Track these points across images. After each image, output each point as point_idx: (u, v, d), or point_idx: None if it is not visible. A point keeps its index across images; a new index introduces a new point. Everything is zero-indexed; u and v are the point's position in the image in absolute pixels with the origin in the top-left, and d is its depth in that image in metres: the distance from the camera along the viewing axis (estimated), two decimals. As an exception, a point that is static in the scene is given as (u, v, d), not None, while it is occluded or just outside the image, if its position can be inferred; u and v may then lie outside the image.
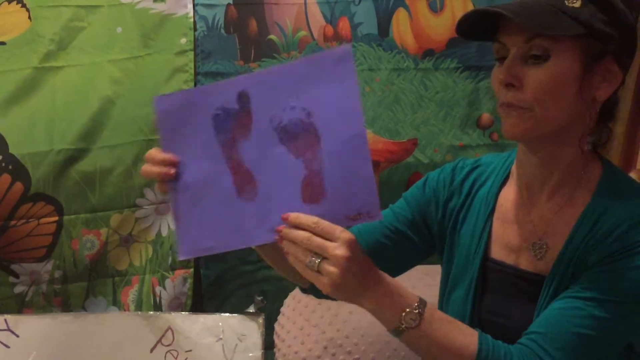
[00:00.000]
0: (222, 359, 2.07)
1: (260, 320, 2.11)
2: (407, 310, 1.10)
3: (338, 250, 1.03)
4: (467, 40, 1.60)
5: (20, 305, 2.16)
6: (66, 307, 2.20)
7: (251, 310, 2.14)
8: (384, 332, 2.04)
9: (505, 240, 1.28)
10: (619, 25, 1.13)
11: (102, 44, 2.21)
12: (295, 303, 2.13)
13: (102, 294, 2.23)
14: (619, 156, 2.32)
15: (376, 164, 2.30)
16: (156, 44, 2.23)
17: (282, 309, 2.14)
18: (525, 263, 1.24)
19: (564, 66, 1.12)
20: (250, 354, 2.07)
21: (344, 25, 2.31)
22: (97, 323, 2.09)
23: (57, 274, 2.18)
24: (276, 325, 2.12)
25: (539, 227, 1.24)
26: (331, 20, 2.31)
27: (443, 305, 1.39)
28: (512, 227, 1.27)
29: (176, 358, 2.06)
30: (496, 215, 1.30)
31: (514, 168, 1.31)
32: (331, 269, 1.03)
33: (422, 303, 1.11)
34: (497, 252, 1.28)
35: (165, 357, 2.06)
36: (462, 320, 1.29)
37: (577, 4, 1.11)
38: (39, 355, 2.01)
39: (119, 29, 2.22)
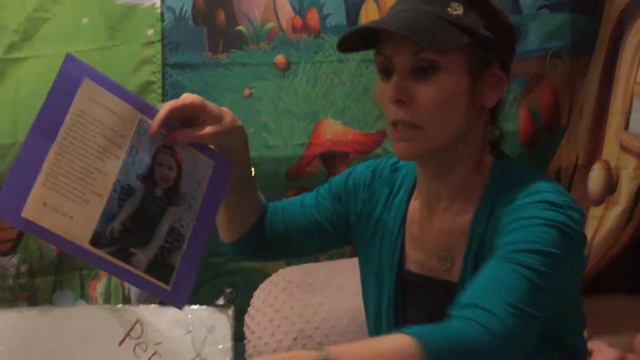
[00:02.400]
0: (192, 351, 2.07)
1: (230, 312, 2.11)
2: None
3: None
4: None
5: (-14, 300, 2.14)
6: (33, 301, 2.17)
7: (220, 303, 2.14)
8: (353, 323, 2.06)
9: (416, 252, 1.24)
10: (500, 28, 1.12)
11: (68, 34, 2.18)
12: (265, 295, 2.13)
13: (69, 287, 2.21)
14: (584, 147, 2.35)
15: (345, 155, 2.30)
16: (123, 35, 2.21)
17: (252, 301, 2.14)
18: (437, 274, 1.21)
19: (453, 78, 1.09)
20: (220, 346, 2.07)
21: (313, 17, 2.31)
22: (64, 317, 2.08)
23: (23, 267, 2.15)
24: (246, 317, 2.11)
25: (441, 239, 1.21)
26: (300, 11, 2.31)
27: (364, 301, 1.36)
28: (420, 239, 1.24)
29: (145, 351, 2.05)
30: (407, 226, 1.26)
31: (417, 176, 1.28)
32: None
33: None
34: (412, 264, 1.24)
35: (134, 350, 2.05)
36: (375, 330, 1.28)
37: (460, 11, 1.09)
38: (5, 350, 1.99)
39: (85, 20, 2.19)
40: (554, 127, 2.40)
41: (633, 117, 2.19)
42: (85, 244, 0.98)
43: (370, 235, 1.30)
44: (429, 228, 1.22)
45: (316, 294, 2.09)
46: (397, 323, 1.26)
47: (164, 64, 2.23)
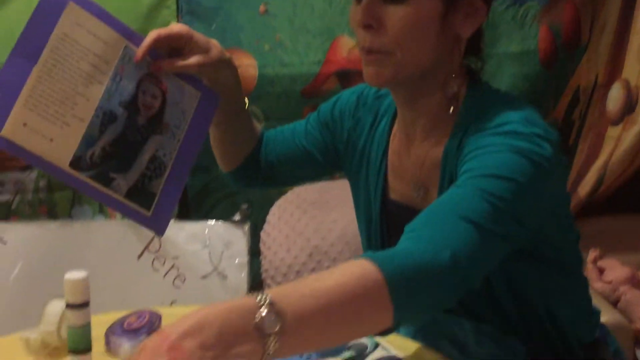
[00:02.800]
0: (209, 265, 2.10)
1: (246, 227, 2.14)
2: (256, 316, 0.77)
3: None
4: None
5: (6, 214, 2.17)
6: (52, 215, 2.21)
7: (237, 219, 2.17)
8: (368, 240, 2.08)
9: (397, 182, 1.23)
10: None
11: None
12: (281, 212, 2.15)
13: (88, 202, 2.24)
14: (605, 66, 2.32)
15: (360, 73, 2.27)
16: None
17: (268, 217, 2.16)
18: (415, 203, 1.20)
19: (425, 4, 1.05)
20: (237, 260, 2.11)
21: None
22: (84, 231, 2.11)
23: (42, 182, 2.18)
24: (262, 233, 2.14)
25: (416, 169, 1.19)
26: None
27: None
28: (400, 169, 1.23)
29: (163, 264, 2.10)
30: (389, 156, 1.25)
31: None
32: None
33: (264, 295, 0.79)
34: (394, 193, 1.24)
35: (152, 263, 2.09)
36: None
37: None
38: (26, 263, 2.03)
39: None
40: (574, 45, 2.35)
41: (655, 35, 2.16)
42: (65, 166, 0.98)
43: (357, 165, 1.30)
44: (407, 159, 1.21)
45: (331, 211, 2.11)
46: (372, 241, 1.27)
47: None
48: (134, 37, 1.06)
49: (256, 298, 0.77)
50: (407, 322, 0.93)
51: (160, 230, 1.10)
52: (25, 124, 0.95)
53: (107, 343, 1.05)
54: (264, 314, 0.76)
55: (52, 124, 0.97)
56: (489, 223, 0.95)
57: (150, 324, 1.07)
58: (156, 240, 2.10)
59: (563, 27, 2.33)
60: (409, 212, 1.13)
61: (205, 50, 1.12)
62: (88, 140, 1.00)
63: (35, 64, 0.96)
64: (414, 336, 1.09)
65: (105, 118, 1.02)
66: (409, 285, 0.87)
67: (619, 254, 2.09)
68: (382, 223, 1.25)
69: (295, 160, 1.36)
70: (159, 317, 1.09)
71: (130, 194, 1.04)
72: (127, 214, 1.05)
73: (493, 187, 0.97)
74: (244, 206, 2.16)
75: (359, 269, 0.86)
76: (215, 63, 1.13)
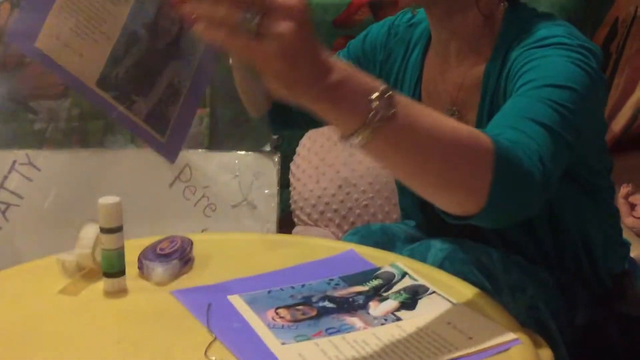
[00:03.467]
0: (239, 195, 2.12)
1: (276, 158, 2.14)
2: (375, 95, 0.74)
3: None
4: None
5: (40, 142, 2.19)
6: (85, 144, 2.22)
7: (267, 149, 2.17)
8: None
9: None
10: None
11: None
12: (311, 143, 2.15)
13: (120, 132, 2.25)
14: None
15: (393, 3, 2.23)
16: None
17: (298, 149, 2.17)
18: None
19: None
20: (267, 191, 2.12)
21: None
22: (116, 159, 2.13)
23: (75, 111, 2.19)
24: (292, 165, 2.15)
25: (453, 93, 1.20)
26: None
27: None
28: (435, 95, 1.23)
29: (194, 193, 2.11)
30: (423, 84, 1.25)
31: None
32: (282, 25, 0.67)
33: (389, 87, 0.76)
34: None
35: (183, 192, 2.12)
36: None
37: None
38: (60, 190, 2.07)
39: None
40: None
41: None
42: (92, 84, 0.99)
43: None
44: (442, 83, 1.21)
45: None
46: None
47: None
48: None
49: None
50: (493, 215, 0.86)
51: (172, 157, 1.12)
52: (57, 37, 0.95)
53: (140, 267, 1.07)
54: (381, 89, 0.73)
55: (82, 39, 0.97)
56: (559, 128, 0.93)
57: (182, 250, 1.08)
58: (187, 169, 2.12)
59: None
60: None
61: None
62: (114, 60, 1.01)
63: None
64: (441, 264, 1.10)
65: (130, 38, 1.02)
66: (510, 168, 0.84)
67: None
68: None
69: None
70: (190, 243, 1.11)
71: (148, 118, 1.05)
72: (143, 137, 1.07)
73: (557, 96, 0.96)
74: (275, 137, 2.16)
75: (473, 130, 0.84)
76: None
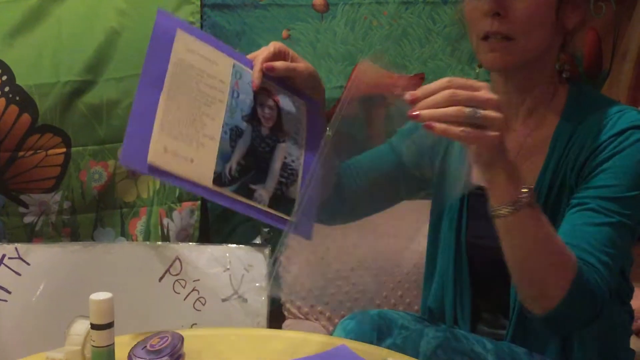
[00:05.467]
0: (229, 288, 2.11)
1: (267, 251, 2.14)
2: (524, 187, 1.02)
3: (487, 93, 0.96)
4: None
5: (30, 235, 2.19)
6: (75, 237, 2.22)
7: (258, 242, 2.17)
8: (388, 264, 2.08)
9: None
10: None
11: (107, -26, 2.18)
12: (301, 236, 2.15)
13: (110, 225, 2.25)
14: (627, 93, 2.31)
15: (382, 99, 2.29)
16: (162, -26, 2.20)
17: (288, 241, 2.16)
18: None
19: None
20: (257, 284, 2.11)
21: (353, -43, 2.28)
22: (106, 252, 2.12)
23: (66, 204, 2.20)
24: (282, 257, 2.15)
25: (512, 151, 1.25)
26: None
27: (433, 233, 1.41)
28: None
29: (184, 287, 2.10)
30: None
31: None
32: (492, 113, 0.95)
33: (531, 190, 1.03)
34: (479, 178, 1.29)
35: (173, 286, 2.10)
36: (450, 244, 1.32)
37: None
38: (49, 284, 2.05)
39: (125, -41, 2.18)
40: (596, 72, 2.36)
41: (678, 62, 2.15)
42: (210, 184, 1.02)
43: (442, 164, 1.38)
44: (507, 138, 1.26)
45: (351, 236, 2.11)
46: (459, 234, 1.33)
47: (203, 5, 2.22)
48: (236, 55, 1.12)
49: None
50: (554, 321, 1.07)
51: (307, 234, 1.13)
52: (165, 149, 0.98)
53: (130, 364, 1.05)
54: (529, 186, 1.01)
55: (189, 145, 1.01)
56: (616, 249, 1.11)
57: (173, 346, 1.07)
58: (177, 263, 2.11)
59: (585, 55, 2.34)
60: None
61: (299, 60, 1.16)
62: (223, 157, 1.04)
63: (160, 91, 1.00)
64: (434, 352, 1.11)
65: (233, 133, 1.06)
66: (582, 290, 1.04)
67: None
68: (460, 206, 1.33)
69: (386, 178, 1.40)
70: (181, 339, 1.10)
71: (273, 203, 1.08)
72: (274, 222, 1.09)
73: (626, 207, 1.13)
74: (265, 229, 2.17)
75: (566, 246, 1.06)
76: (312, 72, 1.17)
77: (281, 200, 1.09)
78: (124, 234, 2.27)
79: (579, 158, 1.18)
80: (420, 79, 2.31)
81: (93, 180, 2.21)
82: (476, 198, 1.30)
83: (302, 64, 1.15)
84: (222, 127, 1.05)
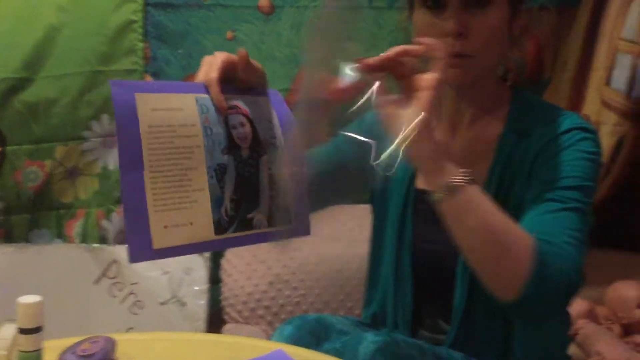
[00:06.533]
0: (168, 292, 2.08)
1: (207, 254, 2.12)
2: (461, 171, 1.03)
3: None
4: None
5: (-38, 236, 2.13)
6: (9, 238, 2.17)
7: (198, 245, 2.15)
8: (330, 269, 2.08)
9: None
10: None
11: (45, -29, 2.13)
12: (243, 239, 2.13)
13: (46, 226, 2.20)
14: (566, 101, 2.36)
15: (326, 102, 2.28)
16: (104, -28, 2.16)
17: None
18: None
19: (500, 12, 1.18)
20: (196, 288, 2.09)
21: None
22: (41, 254, 2.08)
23: (0, 205, 2.14)
24: (223, 261, 2.13)
25: (456, 157, 1.26)
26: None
27: (376, 237, 1.42)
28: None
29: (121, 290, 2.07)
30: None
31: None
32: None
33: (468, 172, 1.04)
34: (423, 183, 1.27)
35: (109, 289, 2.06)
36: (395, 250, 1.32)
37: None
38: (-20, 286, 1.99)
39: (64, -44, 2.14)
40: (537, 81, 2.40)
41: (615, 72, 2.20)
42: (213, 237, 1.00)
43: None
44: (450, 144, 1.29)
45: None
46: (403, 239, 1.32)
47: (146, 3, 2.19)
48: (194, 88, 1.07)
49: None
50: (523, 309, 1.05)
51: (307, 231, 1.12)
52: (165, 226, 0.95)
53: (60, 369, 1.02)
54: (461, 170, 1.02)
55: (184, 209, 0.99)
56: (583, 234, 1.10)
57: (105, 351, 1.04)
58: (114, 265, 2.08)
59: (526, 63, 2.38)
60: None
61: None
62: (216, 202, 1.02)
63: (142, 169, 0.97)
64: (373, 357, 1.11)
65: (218, 173, 1.03)
66: (547, 268, 1.01)
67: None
68: (404, 210, 1.33)
69: (341, 170, 1.37)
70: (113, 343, 1.07)
71: (271, 222, 1.06)
72: (277, 238, 1.08)
73: (578, 197, 1.13)
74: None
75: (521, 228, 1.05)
76: (257, 67, 1.12)
77: (278, 214, 1.08)
78: (61, 235, 2.22)
79: (526, 159, 1.20)
80: (365, 84, 2.31)
81: (29, 180, 2.15)
82: (421, 202, 1.30)
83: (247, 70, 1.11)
84: (208, 172, 1.03)
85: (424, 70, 1.07)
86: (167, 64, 2.19)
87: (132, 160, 0.98)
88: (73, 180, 2.22)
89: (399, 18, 2.28)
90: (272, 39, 2.27)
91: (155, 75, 2.17)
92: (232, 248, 1.03)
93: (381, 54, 1.07)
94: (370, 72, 1.08)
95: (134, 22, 2.17)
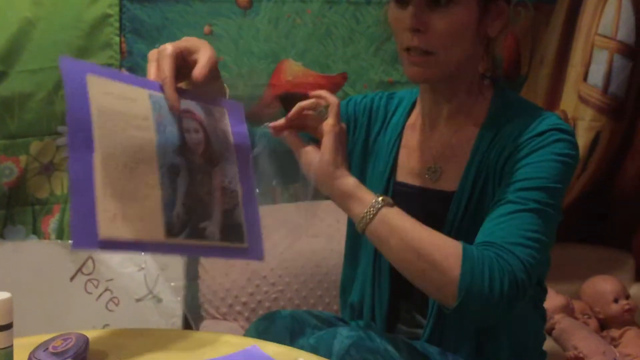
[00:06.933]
0: (144, 288, 2.07)
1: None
2: (373, 197, 1.15)
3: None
4: None
5: None
6: (-17, 235, 2.15)
7: (175, 241, 2.13)
8: (307, 265, 2.07)
9: (410, 166, 1.33)
10: None
11: (22, -37, 2.11)
12: (220, 235, 2.12)
13: (21, 222, 2.18)
14: (544, 97, 2.37)
15: (305, 97, 2.28)
16: (79, -35, 2.14)
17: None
18: (428, 184, 1.31)
19: (464, 9, 1.18)
20: (173, 284, 2.07)
21: (278, -46, 2.26)
22: (15, 251, 2.06)
23: (-26, 200, 2.12)
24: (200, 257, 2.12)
25: (435, 151, 1.31)
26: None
27: (353, 228, 1.42)
28: (415, 153, 1.33)
29: (97, 287, 2.05)
30: (403, 142, 1.36)
31: (418, 99, 1.37)
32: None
33: (378, 202, 1.14)
34: (403, 176, 1.34)
35: (85, 285, 2.05)
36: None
37: None
38: (-46, 282, 1.97)
39: (40, -52, 2.11)
40: (514, 76, 2.41)
41: (592, 68, 2.21)
42: (163, 239, 0.97)
43: (364, 159, 1.40)
44: (426, 141, 1.32)
45: (271, 236, 2.08)
46: None
47: (122, -4, 2.17)
48: (148, 84, 1.04)
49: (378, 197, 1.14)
50: (463, 314, 1.10)
51: (260, 255, 1.10)
52: (114, 216, 0.92)
53: (31, 367, 1.01)
54: (374, 200, 1.14)
55: (134, 201, 0.95)
56: (544, 236, 1.14)
57: (77, 347, 1.03)
58: (90, 262, 2.06)
59: (504, 59, 2.38)
60: (420, 192, 1.31)
61: (198, 48, 1.09)
62: (168, 203, 0.99)
63: (92, 152, 0.94)
64: (347, 351, 1.11)
65: (171, 173, 1.00)
66: (478, 275, 1.06)
67: (553, 283, 2.12)
68: None
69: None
70: (86, 340, 1.06)
71: (224, 235, 1.03)
72: (229, 255, 1.06)
73: (540, 198, 1.15)
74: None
75: (447, 240, 1.11)
76: (215, 63, 1.10)
77: (230, 229, 1.06)
78: (36, 231, 2.20)
79: (499, 159, 1.21)
80: (343, 79, 2.31)
81: (3, 175, 2.13)
82: (401, 195, 1.30)
83: (207, 55, 1.08)
84: (160, 170, 1.00)
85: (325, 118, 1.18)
86: (143, 59, 2.18)
87: (82, 139, 0.93)
88: (49, 176, 2.19)
89: (379, 13, 2.28)
90: (249, 34, 2.26)
91: (132, 69, 2.15)
92: (181, 256, 1.01)
93: (286, 115, 1.20)
94: (280, 132, 1.19)
95: (110, 16, 2.15)
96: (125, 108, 0.99)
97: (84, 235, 0.91)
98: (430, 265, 1.08)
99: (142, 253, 0.96)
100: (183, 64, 1.06)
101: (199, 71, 1.05)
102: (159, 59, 1.04)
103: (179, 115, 1.05)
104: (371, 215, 1.12)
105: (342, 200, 1.16)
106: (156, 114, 1.02)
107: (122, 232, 0.94)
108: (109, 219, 0.93)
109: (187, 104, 1.07)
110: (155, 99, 1.03)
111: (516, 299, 1.08)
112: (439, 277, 1.08)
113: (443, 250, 1.09)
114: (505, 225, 1.12)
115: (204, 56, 1.07)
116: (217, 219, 1.04)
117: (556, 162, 1.17)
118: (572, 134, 1.21)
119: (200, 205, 1.03)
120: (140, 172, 0.98)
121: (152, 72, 1.04)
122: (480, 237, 1.14)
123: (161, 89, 1.04)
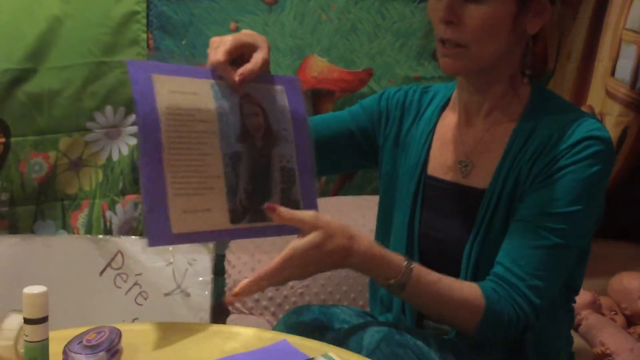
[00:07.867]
0: (172, 283, 2.08)
1: (211, 245, 2.12)
2: (392, 281, 1.14)
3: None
4: None
5: (-33, 227, 2.13)
6: (14, 230, 2.17)
7: (202, 236, 2.15)
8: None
9: (442, 160, 1.34)
10: None
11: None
12: (247, 230, 2.13)
13: (51, 217, 2.20)
14: (570, 92, 2.35)
15: (331, 93, 2.29)
16: (107, -38, 2.16)
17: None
18: (458, 179, 1.31)
19: (500, 5, 1.17)
20: (200, 279, 2.09)
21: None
22: (46, 245, 2.08)
23: (4, 196, 2.14)
24: (227, 252, 2.13)
25: (468, 145, 1.31)
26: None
27: (382, 224, 1.42)
28: (448, 146, 1.34)
29: (126, 281, 2.07)
30: (436, 136, 1.36)
31: (455, 93, 1.37)
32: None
33: (408, 269, 1.14)
34: (435, 170, 1.34)
35: (114, 280, 2.07)
36: (402, 235, 1.33)
37: None
38: (-15, 276, 2.00)
39: (68, -53, 2.13)
40: (541, 72, 2.39)
41: (620, 63, 2.19)
42: (229, 226, 1.00)
43: (396, 152, 1.40)
44: (460, 136, 1.32)
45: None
46: (412, 224, 1.33)
47: (149, -6, 2.19)
48: (206, 73, 1.07)
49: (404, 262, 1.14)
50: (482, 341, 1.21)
51: None
52: (184, 211, 0.95)
53: (65, 359, 1.03)
54: (404, 265, 1.14)
55: (201, 195, 0.99)
56: (557, 269, 1.21)
57: (110, 341, 1.05)
58: (119, 256, 2.08)
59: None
60: (448, 187, 1.31)
61: (254, 44, 1.13)
62: (231, 191, 1.02)
63: (160, 153, 0.97)
64: (378, 345, 1.12)
65: (233, 161, 1.03)
66: (497, 319, 1.16)
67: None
68: (415, 197, 1.35)
69: (336, 142, 1.42)
70: (119, 334, 1.07)
71: None
72: (286, 233, 1.07)
73: (557, 225, 1.18)
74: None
75: (474, 288, 1.17)
76: (267, 65, 1.14)
77: (289, 206, 1.08)
78: (65, 226, 2.22)
79: (533, 159, 1.21)
80: (368, 74, 2.30)
81: (33, 171, 2.16)
82: (432, 189, 1.31)
83: (260, 57, 1.12)
84: (223, 159, 1.03)
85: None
86: (170, 55, 2.20)
87: (152, 141, 0.98)
88: (77, 172, 2.22)
89: (404, 8, 2.28)
90: (275, 30, 2.27)
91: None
92: (247, 239, 1.04)
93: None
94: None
95: (138, 12, 2.17)
96: (190, 103, 1.03)
97: (159, 233, 0.95)
98: (455, 312, 1.18)
99: (213, 240, 1.02)
100: (240, 55, 1.10)
101: (247, 73, 1.08)
102: (219, 46, 1.08)
103: (240, 102, 1.07)
104: (400, 282, 1.14)
105: (369, 271, 1.19)
106: (218, 104, 1.05)
107: (192, 225, 0.97)
108: (179, 214, 0.96)
109: (247, 87, 1.09)
110: (216, 88, 1.06)
111: (523, 331, 1.19)
112: (463, 320, 1.19)
113: (468, 298, 1.17)
114: (525, 263, 1.17)
115: (258, 56, 1.11)
116: (276, 199, 1.07)
117: (589, 181, 1.17)
118: (607, 141, 1.20)
119: (260, 188, 1.07)
120: (206, 165, 1.01)
121: (211, 58, 1.08)
122: (501, 257, 1.20)
123: (217, 75, 1.07)
